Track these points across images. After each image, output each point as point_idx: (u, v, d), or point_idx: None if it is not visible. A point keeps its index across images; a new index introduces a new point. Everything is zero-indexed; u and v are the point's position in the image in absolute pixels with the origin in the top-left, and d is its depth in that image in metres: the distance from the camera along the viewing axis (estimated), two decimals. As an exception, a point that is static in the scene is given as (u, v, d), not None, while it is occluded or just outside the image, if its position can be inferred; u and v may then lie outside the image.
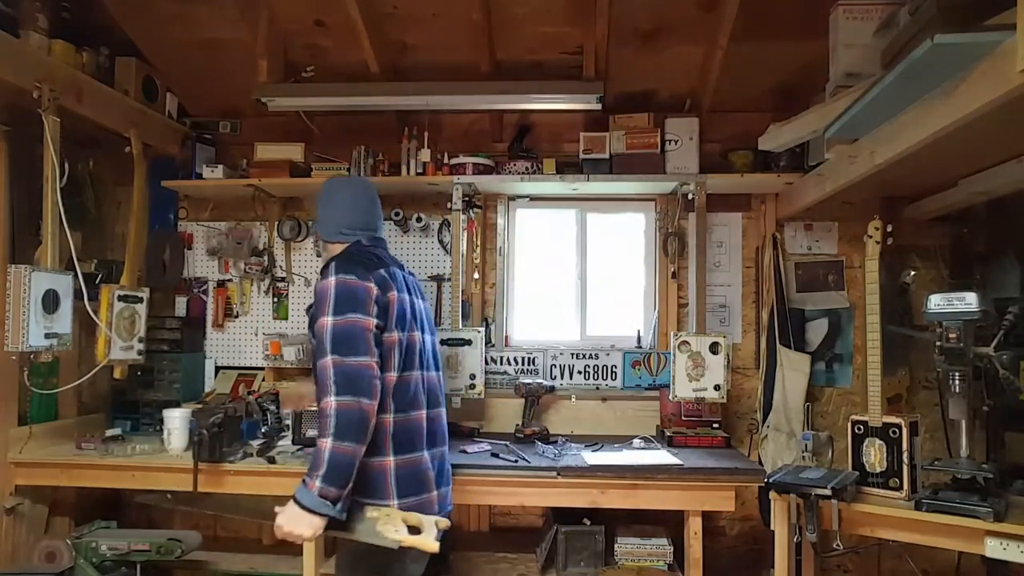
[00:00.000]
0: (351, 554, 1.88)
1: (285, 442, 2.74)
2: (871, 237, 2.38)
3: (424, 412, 1.97)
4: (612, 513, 2.60)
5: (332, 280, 1.82)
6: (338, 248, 2.07)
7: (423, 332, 2.06)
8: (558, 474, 2.43)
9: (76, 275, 2.58)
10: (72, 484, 2.73)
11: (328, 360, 1.73)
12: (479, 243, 3.23)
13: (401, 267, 2.08)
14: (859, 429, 2.32)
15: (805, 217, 3.10)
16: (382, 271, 1.92)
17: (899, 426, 2.23)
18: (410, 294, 2.03)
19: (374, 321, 1.82)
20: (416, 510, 1.83)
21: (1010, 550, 1.91)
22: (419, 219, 3.24)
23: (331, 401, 1.69)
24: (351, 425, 1.69)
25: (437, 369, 2.13)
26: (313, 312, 1.84)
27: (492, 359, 3.23)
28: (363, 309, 1.81)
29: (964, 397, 2.12)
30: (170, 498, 3.12)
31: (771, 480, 2.32)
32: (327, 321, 1.77)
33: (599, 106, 2.91)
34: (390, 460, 1.85)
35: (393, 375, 1.87)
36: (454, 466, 2.29)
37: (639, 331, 3.28)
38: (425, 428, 1.96)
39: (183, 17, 2.94)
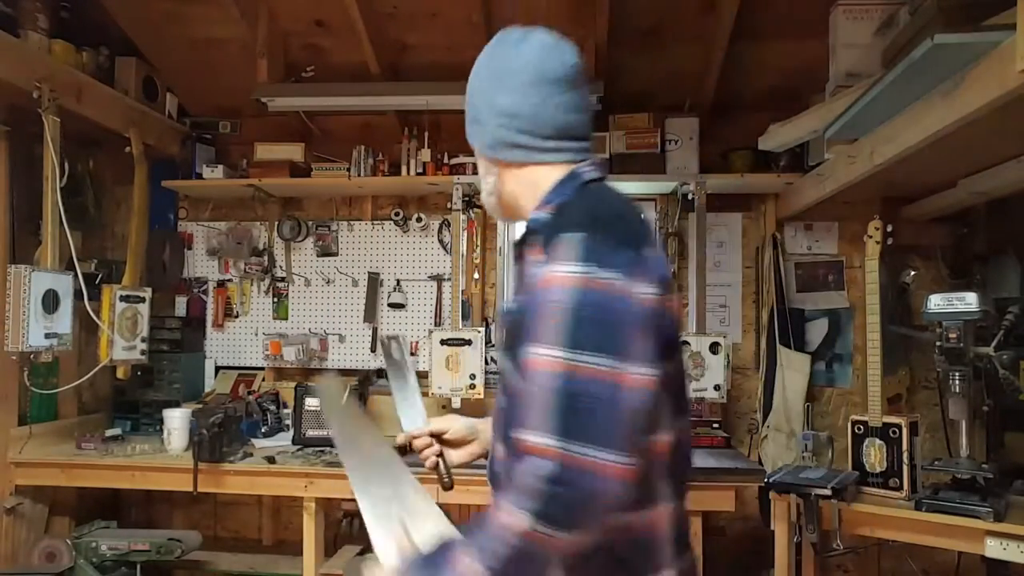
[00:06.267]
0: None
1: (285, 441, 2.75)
2: (871, 237, 2.38)
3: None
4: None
5: (570, 273, 0.86)
6: (546, 175, 1.02)
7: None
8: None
9: (76, 275, 2.58)
10: (72, 484, 2.73)
11: (547, 444, 0.82)
12: (479, 243, 3.23)
13: None
14: (859, 429, 2.32)
15: (805, 217, 3.10)
16: (652, 248, 0.94)
17: (899, 426, 2.23)
18: None
19: (658, 375, 0.90)
20: None
21: (1010, 550, 1.91)
22: (419, 219, 3.24)
23: (518, 520, 0.82)
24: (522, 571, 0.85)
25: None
26: (517, 325, 0.92)
27: (492, 359, 3.22)
28: (636, 350, 0.87)
29: (964, 397, 2.12)
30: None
31: (771, 480, 2.32)
32: (552, 361, 0.85)
33: (599, 106, 2.90)
34: None
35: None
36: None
37: (639, 331, 3.28)
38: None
39: (183, 16, 2.94)
